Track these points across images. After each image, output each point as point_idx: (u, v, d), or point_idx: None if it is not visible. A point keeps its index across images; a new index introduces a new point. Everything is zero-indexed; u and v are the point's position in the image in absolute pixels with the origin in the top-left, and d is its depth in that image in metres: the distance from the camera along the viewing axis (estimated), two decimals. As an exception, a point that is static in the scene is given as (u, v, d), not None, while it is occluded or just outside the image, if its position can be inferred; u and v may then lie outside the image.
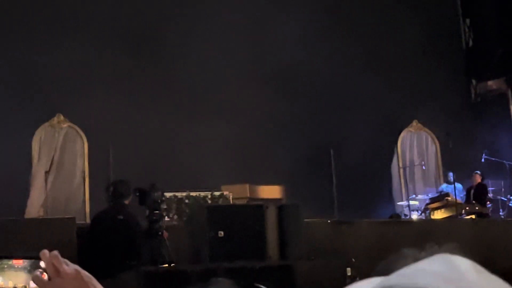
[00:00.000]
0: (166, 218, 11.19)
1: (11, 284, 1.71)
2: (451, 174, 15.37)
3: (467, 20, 18.61)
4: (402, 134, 17.04)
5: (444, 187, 15.44)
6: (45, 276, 1.65)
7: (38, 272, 1.65)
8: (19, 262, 1.73)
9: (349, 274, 8.58)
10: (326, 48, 16.29)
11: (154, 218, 9.14)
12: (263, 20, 15.86)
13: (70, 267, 1.65)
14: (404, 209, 15.18)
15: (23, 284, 1.71)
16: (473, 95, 18.26)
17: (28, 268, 1.71)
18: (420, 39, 17.33)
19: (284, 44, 16.04)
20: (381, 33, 16.96)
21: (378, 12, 17.00)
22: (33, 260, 1.73)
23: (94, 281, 1.67)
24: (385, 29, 17.01)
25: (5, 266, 1.73)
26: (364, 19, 16.85)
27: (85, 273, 1.66)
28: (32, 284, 1.68)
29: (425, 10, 17.60)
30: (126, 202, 9.03)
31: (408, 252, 1.55)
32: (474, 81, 18.24)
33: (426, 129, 17.20)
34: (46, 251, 1.65)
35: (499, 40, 17.49)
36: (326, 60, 16.17)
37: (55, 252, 1.65)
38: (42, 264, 1.66)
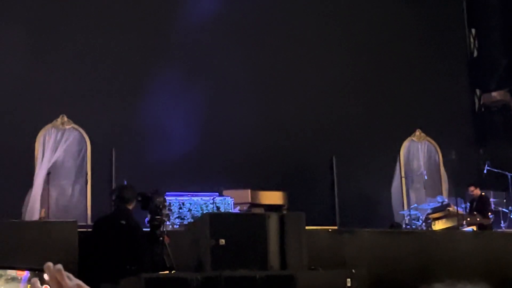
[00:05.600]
0: (167, 223, 11.20)
1: None
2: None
3: (473, 30, 18.60)
4: (404, 143, 17.03)
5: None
6: None
7: (38, 284, 1.65)
8: (22, 274, 1.73)
9: (349, 285, 8.58)
10: (331, 56, 16.30)
11: (156, 223, 9.16)
12: (258, 30, 15.89)
13: (72, 282, 1.65)
14: (405, 218, 15.18)
15: None
16: (476, 106, 18.25)
17: (32, 280, 1.71)
18: (425, 48, 17.33)
19: (286, 50, 16.06)
20: (386, 41, 16.96)
21: (383, 20, 17.00)
22: (36, 272, 1.72)
23: None
24: (390, 38, 17.01)
25: (9, 278, 1.73)
26: (370, 28, 16.84)
27: None
28: None
29: (430, 19, 17.60)
30: (130, 207, 9.04)
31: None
32: (478, 92, 18.23)
33: (429, 139, 17.18)
34: (50, 264, 1.65)
35: (504, 51, 17.49)
36: (331, 67, 16.19)
37: (59, 266, 1.65)
38: (45, 276, 1.66)
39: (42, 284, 1.67)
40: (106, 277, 8.11)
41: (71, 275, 1.67)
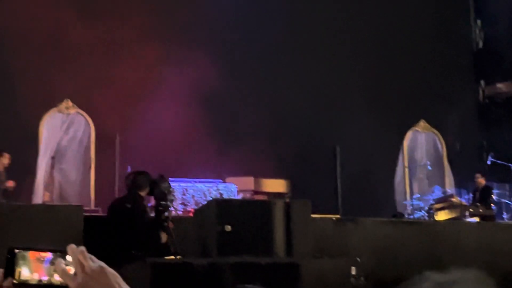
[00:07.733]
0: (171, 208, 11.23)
1: (36, 276, 1.72)
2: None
3: (478, 21, 18.55)
4: (408, 133, 17.03)
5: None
6: (71, 271, 1.66)
7: (63, 265, 1.66)
8: (45, 255, 1.74)
9: (353, 273, 8.61)
10: (336, 45, 16.27)
11: (161, 208, 9.17)
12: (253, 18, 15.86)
13: (95, 264, 1.66)
14: (408, 208, 15.19)
15: (48, 277, 1.72)
16: (481, 97, 18.21)
17: (56, 262, 1.72)
18: (431, 38, 17.29)
19: (291, 39, 16.03)
20: (392, 31, 16.91)
21: (388, 11, 16.95)
22: (59, 253, 1.73)
23: (118, 278, 1.67)
24: (395, 28, 16.96)
25: (32, 259, 1.74)
26: (375, 19, 16.79)
27: (110, 270, 1.67)
28: (56, 277, 1.69)
29: (436, 9, 17.55)
30: (142, 193, 9.06)
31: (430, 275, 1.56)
32: (483, 83, 18.19)
33: (433, 129, 17.17)
34: (73, 246, 1.66)
35: (509, 43, 17.44)
36: (336, 57, 16.16)
37: (82, 248, 1.66)
38: (68, 258, 1.67)
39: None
40: (110, 262, 8.12)
41: (93, 257, 1.68)
